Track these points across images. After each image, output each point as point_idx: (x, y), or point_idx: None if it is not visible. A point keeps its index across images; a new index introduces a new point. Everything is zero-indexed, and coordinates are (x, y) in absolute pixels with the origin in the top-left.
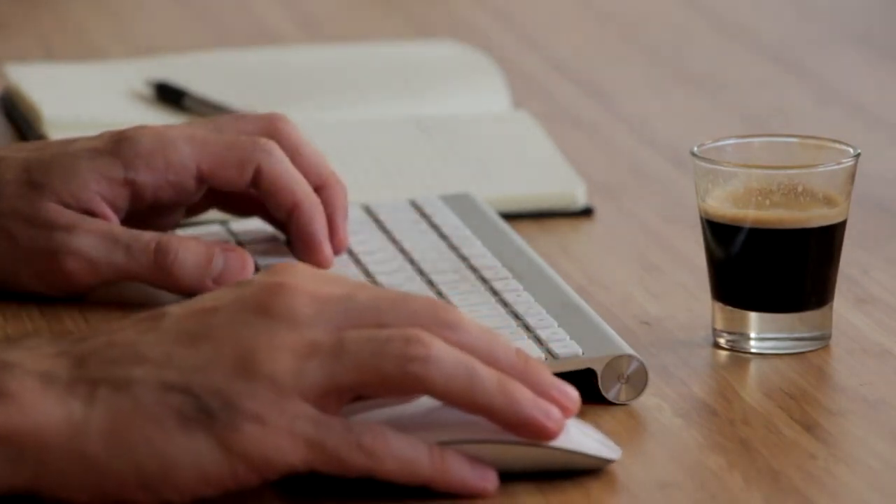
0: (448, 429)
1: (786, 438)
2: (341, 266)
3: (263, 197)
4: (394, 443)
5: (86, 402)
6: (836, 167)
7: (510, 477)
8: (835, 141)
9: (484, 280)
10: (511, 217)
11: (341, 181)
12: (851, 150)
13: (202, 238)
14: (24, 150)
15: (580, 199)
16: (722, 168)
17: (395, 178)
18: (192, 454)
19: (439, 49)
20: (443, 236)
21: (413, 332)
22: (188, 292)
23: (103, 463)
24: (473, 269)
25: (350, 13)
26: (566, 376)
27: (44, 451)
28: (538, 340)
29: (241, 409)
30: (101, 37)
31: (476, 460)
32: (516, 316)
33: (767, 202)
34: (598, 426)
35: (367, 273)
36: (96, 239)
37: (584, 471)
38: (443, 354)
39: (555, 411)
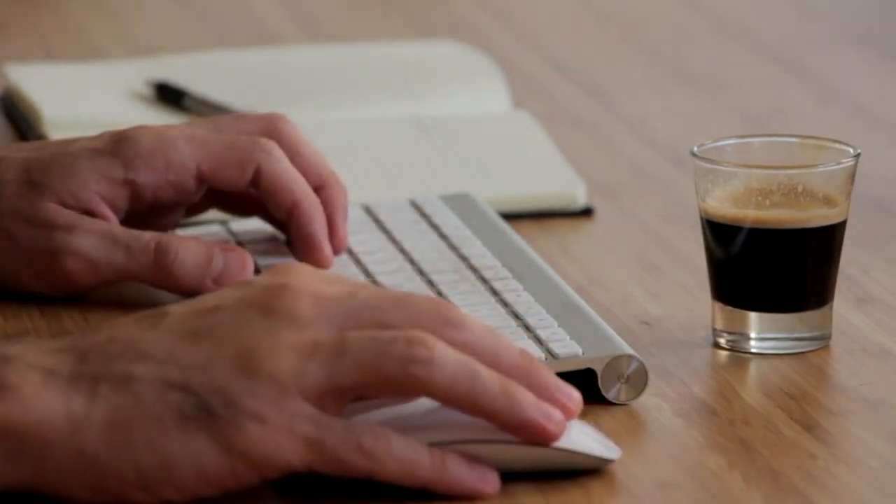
0: (448, 429)
1: (786, 438)
2: (341, 266)
3: (263, 197)
4: (394, 444)
5: (87, 398)
6: (836, 167)
7: (510, 477)
8: (835, 141)
9: (484, 280)
10: (511, 217)
11: (341, 181)
12: (851, 150)
13: (202, 238)
14: (24, 150)
15: (580, 199)
16: (722, 168)
17: (395, 178)
18: (192, 452)
19: (439, 49)
20: (443, 236)
21: (416, 334)
22: (188, 292)
23: (103, 460)
24: (473, 269)
25: (350, 13)
26: (566, 376)
27: (44, 446)
28: (538, 340)
29: (241, 408)
30: (101, 37)
31: (477, 462)
32: (516, 316)
33: (767, 202)
34: (598, 426)
35: (367, 273)
36: (96, 239)
37: (585, 471)
38: (445, 357)
39: (556, 413)
